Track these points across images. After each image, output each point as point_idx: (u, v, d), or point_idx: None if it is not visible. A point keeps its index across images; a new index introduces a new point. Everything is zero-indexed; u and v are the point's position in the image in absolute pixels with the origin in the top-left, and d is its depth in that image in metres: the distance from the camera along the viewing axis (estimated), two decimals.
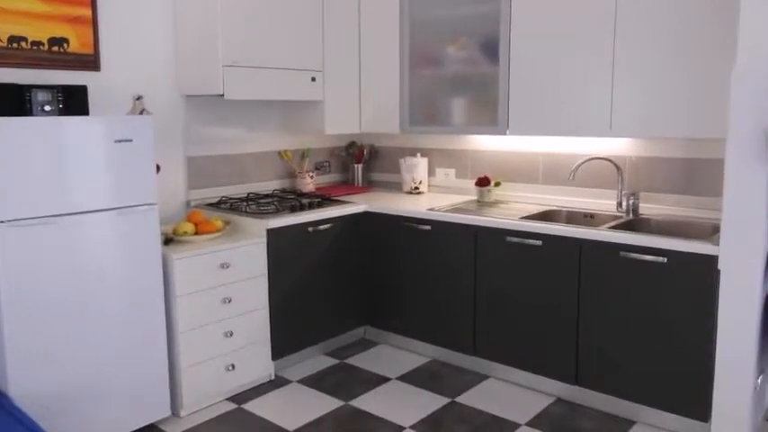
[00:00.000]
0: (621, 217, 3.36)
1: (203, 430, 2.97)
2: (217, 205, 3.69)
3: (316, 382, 3.47)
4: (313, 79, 3.82)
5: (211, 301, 3.12)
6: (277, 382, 3.46)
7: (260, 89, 3.54)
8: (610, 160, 3.43)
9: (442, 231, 3.51)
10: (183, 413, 3.07)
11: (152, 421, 2.96)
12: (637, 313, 2.89)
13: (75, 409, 2.68)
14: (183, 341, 3.01)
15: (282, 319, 3.47)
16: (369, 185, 4.57)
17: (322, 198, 3.90)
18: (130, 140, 2.73)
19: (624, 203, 3.40)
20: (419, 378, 3.51)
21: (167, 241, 3.12)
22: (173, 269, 2.95)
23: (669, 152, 3.35)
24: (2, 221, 2.42)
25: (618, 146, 3.49)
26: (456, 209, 3.65)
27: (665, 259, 2.77)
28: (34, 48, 2.99)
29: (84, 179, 2.62)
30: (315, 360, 3.74)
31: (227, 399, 3.26)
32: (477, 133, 3.85)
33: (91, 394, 2.73)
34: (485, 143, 4.05)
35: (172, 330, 3.00)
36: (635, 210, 3.36)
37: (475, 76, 3.66)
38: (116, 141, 2.69)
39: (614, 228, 3.11)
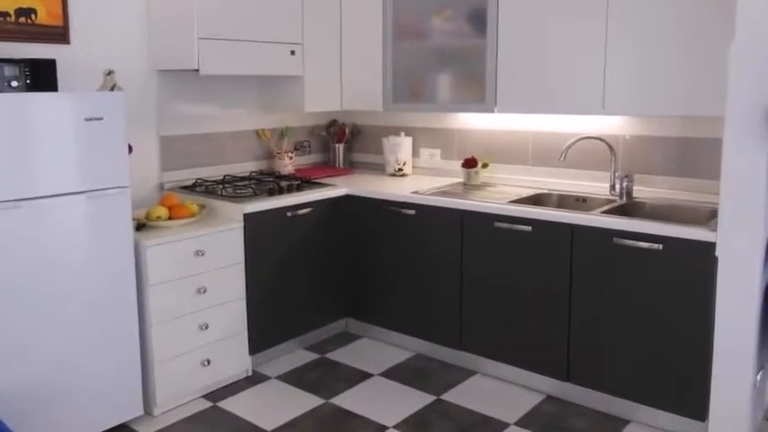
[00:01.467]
0: (615, 201, 3.41)
1: (177, 430, 2.99)
2: (192, 188, 3.70)
3: (295, 378, 3.50)
4: (292, 53, 3.82)
5: (186, 292, 3.13)
6: (254, 379, 3.48)
7: (237, 63, 3.53)
8: (602, 140, 3.48)
9: (427, 216, 3.55)
10: (156, 412, 3.08)
11: (124, 420, 2.97)
12: (631, 304, 2.94)
13: (42, 407, 2.67)
14: (155, 334, 3.03)
15: (260, 311, 3.50)
16: (350, 167, 4.60)
17: (301, 180, 3.92)
18: (101, 119, 2.72)
19: (618, 186, 3.45)
20: (403, 374, 3.55)
21: (139, 227, 3.11)
22: (145, 257, 2.95)
23: (664, 131, 3.40)
24: None
25: (611, 125, 3.55)
26: (442, 192, 3.69)
27: (661, 246, 2.81)
28: (0, 19, 2.95)
29: (52, 160, 2.60)
30: (294, 355, 3.77)
31: (203, 396, 3.28)
32: (464, 111, 3.87)
33: (58, 392, 2.72)
34: (472, 121, 4.09)
35: (144, 323, 3.01)
36: (629, 193, 3.42)
37: (461, 50, 3.69)
38: (86, 120, 2.67)
39: (607, 212, 3.15)
